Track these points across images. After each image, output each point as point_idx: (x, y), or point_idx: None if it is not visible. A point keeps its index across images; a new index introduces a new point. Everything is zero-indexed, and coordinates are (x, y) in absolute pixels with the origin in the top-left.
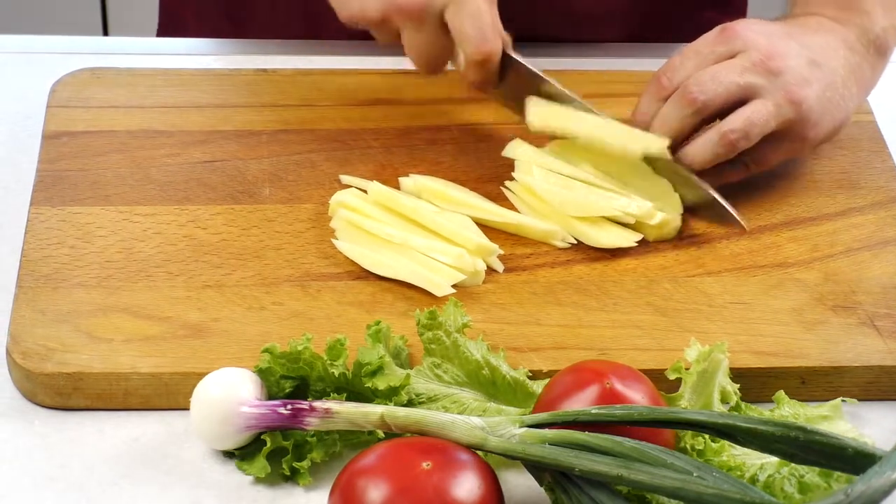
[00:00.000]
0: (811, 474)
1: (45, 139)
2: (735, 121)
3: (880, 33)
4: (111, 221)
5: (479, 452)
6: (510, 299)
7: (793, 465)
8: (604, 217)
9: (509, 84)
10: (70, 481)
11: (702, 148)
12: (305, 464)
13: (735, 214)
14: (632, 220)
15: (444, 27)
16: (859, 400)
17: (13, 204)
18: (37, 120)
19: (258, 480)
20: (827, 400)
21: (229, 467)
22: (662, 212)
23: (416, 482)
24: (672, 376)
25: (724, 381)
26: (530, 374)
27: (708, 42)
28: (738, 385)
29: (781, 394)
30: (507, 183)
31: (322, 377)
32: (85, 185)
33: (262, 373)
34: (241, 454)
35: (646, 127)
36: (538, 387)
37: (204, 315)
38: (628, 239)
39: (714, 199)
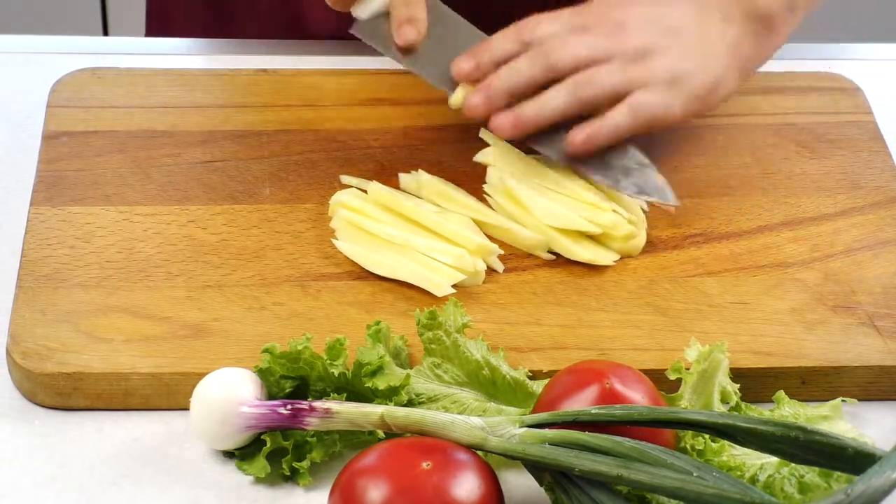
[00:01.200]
0: (811, 474)
1: (45, 139)
2: (583, 73)
3: (762, 6)
4: (111, 221)
5: (479, 452)
6: (510, 299)
7: (793, 465)
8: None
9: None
10: (70, 481)
11: (555, 94)
12: (305, 464)
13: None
14: (598, 230)
15: None
16: (859, 400)
17: (13, 204)
18: (37, 120)
19: (258, 480)
20: (827, 400)
21: (229, 467)
22: (630, 223)
23: (416, 482)
24: (672, 376)
25: (724, 381)
26: (530, 374)
27: (567, 12)
28: (739, 385)
29: (781, 394)
30: (486, 188)
31: (322, 377)
32: (85, 185)
33: (262, 373)
34: (241, 454)
35: (488, 66)
36: (538, 387)
37: (204, 315)
38: (606, 256)
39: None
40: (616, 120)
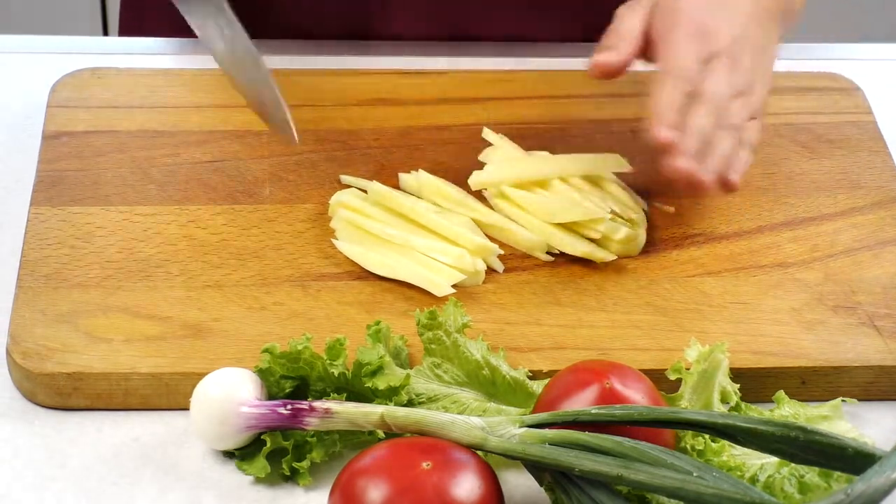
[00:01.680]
0: (811, 474)
1: (45, 139)
2: (733, 116)
3: None
4: (111, 221)
5: (479, 452)
6: (510, 299)
7: (793, 465)
8: (574, 231)
9: None
10: (70, 481)
11: (725, 144)
12: (305, 464)
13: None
14: (598, 235)
15: None
16: (859, 400)
17: (13, 204)
18: (37, 120)
19: (258, 480)
20: (827, 400)
21: (229, 467)
22: (626, 225)
23: (416, 482)
24: (672, 376)
25: (724, 380)
26: (530, 374)
27: (689, 62)
28: (739, 385)
29: (781, 394)
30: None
31: (322, 377)
32: (85, 185)
33: (262, 373)
34: (241, 454)
35: (679, 118)
36: (538, 387)
37: (204, 315)
38: (604, 252)
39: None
40: (753, 139)
